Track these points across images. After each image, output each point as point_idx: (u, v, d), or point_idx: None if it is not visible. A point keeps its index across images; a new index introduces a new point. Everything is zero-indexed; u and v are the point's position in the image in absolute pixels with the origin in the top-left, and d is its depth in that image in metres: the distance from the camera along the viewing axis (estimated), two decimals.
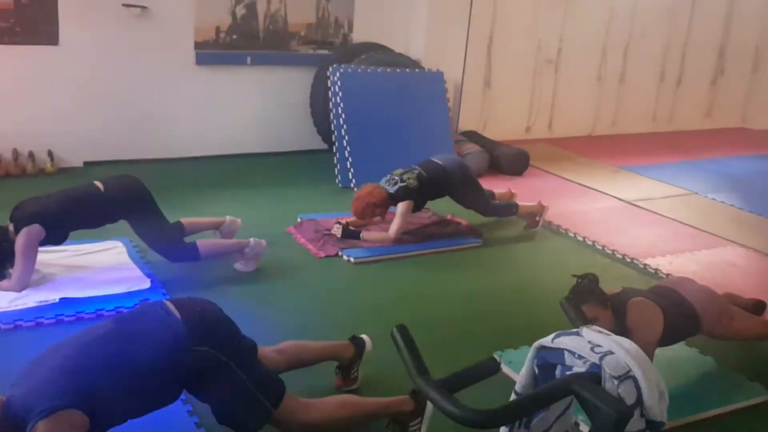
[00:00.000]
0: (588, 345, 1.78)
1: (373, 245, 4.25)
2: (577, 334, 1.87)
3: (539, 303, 3.74)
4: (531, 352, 1.94)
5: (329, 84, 5.52)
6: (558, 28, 7.11)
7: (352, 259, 4.09)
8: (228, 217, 4.14)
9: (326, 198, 5.14)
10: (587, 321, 2.19)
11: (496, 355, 3.11)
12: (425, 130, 5.68)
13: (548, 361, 1.87)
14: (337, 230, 4.28)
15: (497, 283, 4.00)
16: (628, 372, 1.69)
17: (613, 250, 4.48)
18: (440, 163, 4.52)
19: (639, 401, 1.67)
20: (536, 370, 1.90)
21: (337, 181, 5.41)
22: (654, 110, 8.04)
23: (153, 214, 3.69)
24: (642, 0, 7.47)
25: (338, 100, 5.45)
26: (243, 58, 5.74)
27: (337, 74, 5.48)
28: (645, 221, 5.14)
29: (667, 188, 5.91)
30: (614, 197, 5.59)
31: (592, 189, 5.76)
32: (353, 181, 5.31)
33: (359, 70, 5.60)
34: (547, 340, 1.91)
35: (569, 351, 1.80)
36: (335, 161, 5.46)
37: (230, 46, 5.66)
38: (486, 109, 6.92)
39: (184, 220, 3.91)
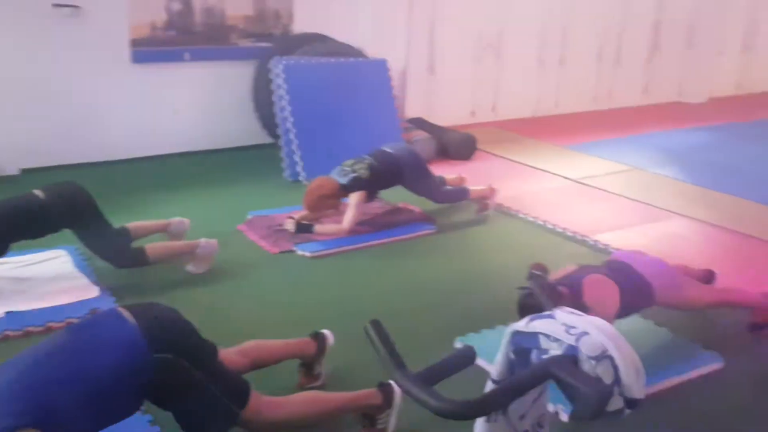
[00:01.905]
0: (562, 327, 1.79)
1: (327, 238, 4.20)
2: (551, 316, 1.88)
3: (497, 285, 3.76)
4: (505, 337, 1.93)
5: (272, 77, 5.43)
6: (498, 12, 7.15)
7: (307, 254, 4.05)
8: (175, 219, 4.04)
9: (276, 193, 5.07)
10: (558, 303, 2.21)
11: (458, 341, 3.12)
12: (372, 118, 5.64)
13: (523, 346, 1.86)
14: (289, 225, 4.22)
15: (454, 268, 4.00)
16: (605, 352, 1.70)
17: (563, 229, 4.54)
18: (391, 151, 4.51)
19: (617, 380, 1.69)
20: (512, 356, 1.90)
21: (285, 175, 5.34)
22: (594, 89, 8.17)
23: (97, 221, 3.57)
24: None
25: (282, 93, 5.37)
26: (181, 54, 5.61)
27: (280, 66, 5.40)
28: (592, 198, 5.22)
29: (611, 165, 6.01)
30: (561, 176, 5.66)
31: (540, 169, 5.83)
32: (302, 174, 5.25)
33: (302, 61, 5.53)
34: (521, 325, 1.91)
35: (544, 334, 1.80)
36: (282, 155, 5.38)
37: (167, 43, 5.52)
38: (431, 95, 6.92)
39: (130, 224, 3.80)
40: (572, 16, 7.66)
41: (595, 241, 4.36)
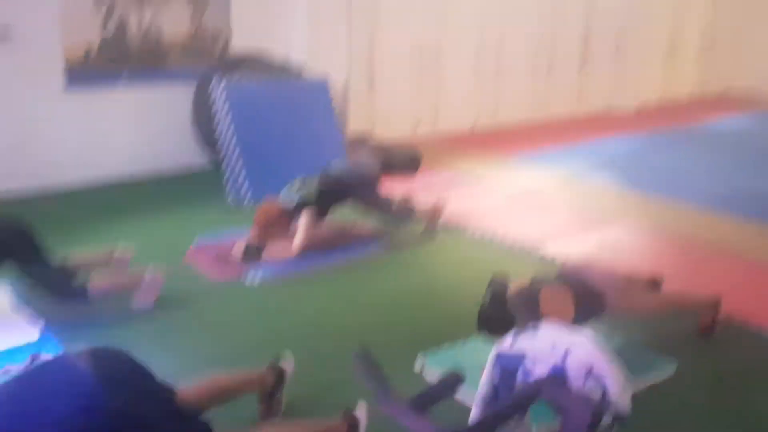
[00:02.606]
0: (547, 345, 1.79)
1: (278, 261, 4.14)
2: (534, 334, 1.88)
3: (452, 300, 3.78)
4: (490, 360, 1.93)
5: (213, 98, 5.34)
6: (435, 26, 7.23)
7: (258, 279, 3.98)
8: (118, 249, 3.92)
9: (221, 217, 4.97)
10: (542, 320, 2.22)
11: (419, 358, 3.11)
12: (316, 137, 5.61)
13: (508, 368, 1.86)
14: (238, 250, 4.14)
15: (407, 285, 4.00)
16: (591, 368, 1.71)
17: (512, 241, 4.59)
18: (339, 170, 4.50)
19: (605, 396, 1.70)
20: (497, 377, 1.89)
21: (230, 198, 5.24)
22: (530, 100, 8.33)
23: (36, 255, 3.42)
24: None
25: (224, 114, 5.29)
26: (117, 77, 5.47)
27: (221, 87, 5.32)
28: (537, 209, 5.31)
29: (552, 174, 6.13)
30: (506, 188, 5.74)
31: (484, 182, 5.89)
32: (247, 197, 5.17)
33: (243, 82, 5.46)
34: (505, 347, 1.90)
35: (529, 354, 1.80)
36: (226, 178, 5.29)
37: (102, 66, 5.37)
38: (372, 111, 6.94)
39: (71, 257, 3.66)
40: (506, 29, 7.80)
41: (544, 251, 4.42)
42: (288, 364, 2.83)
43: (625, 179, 6.07)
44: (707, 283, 3.89)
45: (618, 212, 5.20)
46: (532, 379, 1.78)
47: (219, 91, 5.32)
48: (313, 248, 4.32)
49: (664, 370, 3.09)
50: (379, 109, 6.99)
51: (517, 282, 2.96)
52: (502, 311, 2.79)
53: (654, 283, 3.66)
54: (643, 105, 9.36)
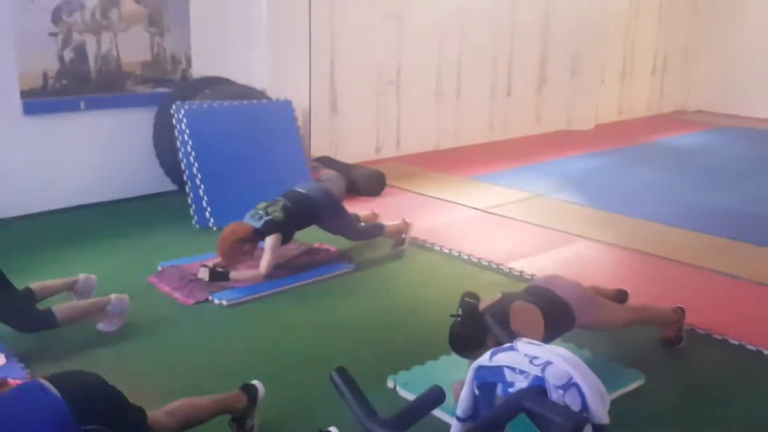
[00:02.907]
0: (526, 358, 1.80)
1: (244, 284, 4.10)
2: (512, 348, 1.89)
3: (421, 320, 3.78)
4: (469, 373, 1.93)
5: (174, 122, 5.30)
6: (395, 49, 7.30)
7: (224, 302, 3.93)
8: (81, 276, 3.83)
9: (185, 241, 4.91)
10: (514, 335, 2.23)
11: (390, 379, 3.10)
12: (280, 159, 5.59)
13: (488, 381, 1.86)
14: (203, 274, 4.10)
15: (375, 305, 3.99)
16: (570, 380, 1.72)
17: (478, 258, 4.62)
18: (304, 191, 4.47)
19: (584, 407, 1.71)
20: (476, 391, 1.89)
21: (194, 222, 5.19)
22: (490, 120, 8.44)
23: None
24: (468, 19, 7.83)
25: (186, 138, 5.24)
26: (76, 103, 5.39)
27: (182, 111, 5.28)
28: (501, 226, 5.36)
29: (514, 193, 6.20)
30: (470, 207, 5.78)
31: (449, 201, 5.93)
32: (211, 220, 5.12)
33: (205, 106, 5.43)
34: (484, 360, 1.91)
35: (508, 367, 1.81)
36: (189, 202, 5.23)
37: (61, 93, 5.29)
38: (335, 133, 6.95)
39: (34, 285, 3.57)
40: (465, 50, 7.91)
41: (510, 268, 4.46)
42: (259, 387, 2.80)
43: (585, 197, 6.18)
44: (671, 295, 3.97)
45: (580, 229, 5.28)
46: (512, 390, 1.78)
47: (180, 115, 5.28)
48: (280, 269, 4.29)
49: (632, 382, 3.13)
50: (342, 131, 7.01)
51: (487, 299, 2.97)
52: (473, 328, 2.79)
53: (620, 297, 3.72)
54: (601, 123, 9.55)
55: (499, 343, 2.80)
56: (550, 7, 8.70)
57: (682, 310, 3.53)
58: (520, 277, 4.34)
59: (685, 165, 7.73)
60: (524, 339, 1.93)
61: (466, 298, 2.85)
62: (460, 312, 2.82)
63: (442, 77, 7.79)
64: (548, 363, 1.77)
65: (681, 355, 3.45)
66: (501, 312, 2.88)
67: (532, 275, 4.32)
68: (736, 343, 3.53)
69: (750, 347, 3.49)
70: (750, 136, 9.34)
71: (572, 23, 8.94)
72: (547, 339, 2.98)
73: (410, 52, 7.42)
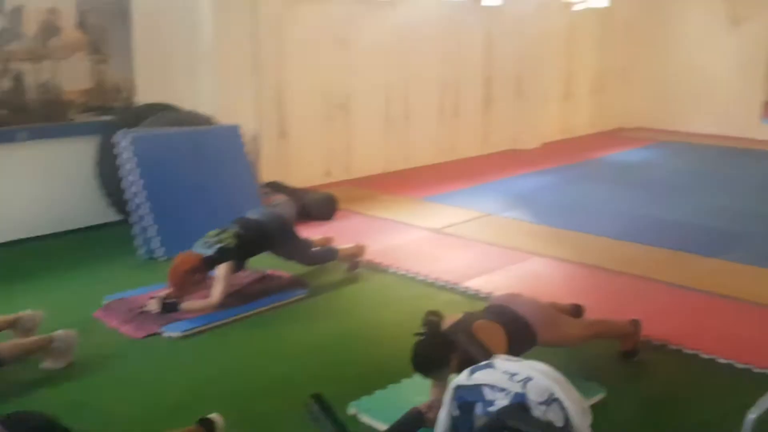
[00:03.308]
0: (505, 375, 1.77)
1: (196, 315, 3.99)
2: (490, 366, 1.86)
3: (380, 343, 3.73)
4: (448, 394, 1.88)
5: (119, 151, 5.16)
6: (343, 73, 7.30)
7: (176, 334, 3.81)
8: (25, 312, 3.68)
9: (133, 273, 4.77)
10: (490, 352, 2.19)
11: (352, 406, 3.03)
12: (229, 186, 5.50)
13: (467, 400, 1.82)
14: (153, 305, 3.97)
15: (333, 331, 3.92)
16: (552, 395, 1.70)
17: (434, 279, 4.61)
18: (256, 217, 4.40)
19: (567, 422, 1.68)
20: (455, 412, 1.85)
21: (140, 253, 5.04)
22: (438, 142, 8.49)
23: None
24: (414, 42, 7.90)
25: (131, 167, 5.11)
26: (13, 134, 5.21)
27: (127, 140, 5.15)
28: (455, 246, 5.36)
29: (466, 212, 6.22)
30: (423, 227, 5.78)
31: (402, 222, 5.92)
32: (159, 250, 4.99)
33: (150, 133, 5.31)
34: (463, 379, 1.87)
35: (488, 385, 1.77)
36: (136, 232, 5.09)
37: None
38: (285, 158, 6.89)
39: None
40: (412, 73, 7.96)
41: (466, 287, 4.46)
42: (217, 420, 2.71)
43: (535, 214, 6.24)
44: (624, 308, 4.01)
45: (533, 245, 5.32)
46: (493, 409, 1.75)
47: (124, 144, 5.15)
48: (233, 298, 4.19)
49: (593, 396, 3.13)
50: (292, 156, 6.95)
51: (449, 318, 2.95)
52: (437, 347, 2.76)
53: (576, 312, 3.74)
54: (547, 142, 9.72)
55: (463, 362, 2.77)
56: (492, 30, 8.85)
57: (637, 322, 3.56)
58: (476, 295, 4.34)
59: (629, 180, 7.91)
60: (502, 356, 1.90)
61: (430, 317, 2.82)
62: (424, 331, 2.79)
63: (390, 100, 7.82)
64: (528, 379, 1.75)
65: (639, 366, 3.48)
66: (464, 330, 2.86)
67: (488, 293, 4.32)
68: (691, 352, 3.58)
69: (704, 356, 3.54)
70: (688, 150, 9.62)
71: (514, 45, 9.11)
72: (511, 356, 2.97)
73: (358, 76, 7.43)
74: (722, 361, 3.47)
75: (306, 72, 6.96)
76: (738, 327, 3.94)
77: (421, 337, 2.78)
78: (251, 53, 6.38)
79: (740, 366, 3.42)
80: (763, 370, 3.37)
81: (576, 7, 10.20)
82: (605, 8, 10.68)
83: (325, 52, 7.11)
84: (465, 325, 2.91)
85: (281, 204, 5.76)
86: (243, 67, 6.34)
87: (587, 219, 6.12)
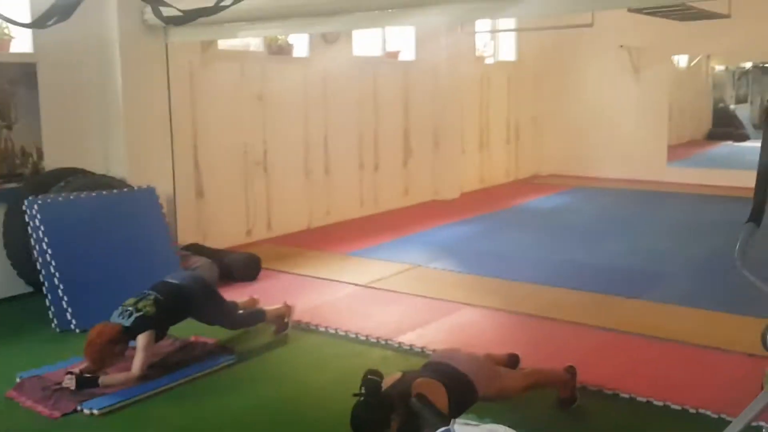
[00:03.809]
0: None
1: (116, 389, 3.75)
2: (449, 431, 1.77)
3: (314, 407, 3.59)
4: None
5: (27, 219, 4.88)
6: (260, 130, 7.22)
7: (95, 411, 3.56)
8: None
9: (46, 347, 4.46)
10: (446, 417, 2.10)
11: None
12: (146, 250, 5.27)
13: None
14: (69, 382, 3.71)
15: (265, 397, 3.75)
16: None
17: (366, 336, 4.51)
18: (176, 282, 4.20)
19: None
20: None
21: (53, 325, 4.73)
22: (360, 195, 8.48)
23: None
24: (331, 96, 7.92)
25: (41, 235, 4.84)
26: None
27: (35, 207, 4.88)
28: (385, 300, 5.28)
29: (393, 266, 6.18)
30: (350, 283, 5.68)
31: (328, 279, 5.81)
32: (74, 322, 4.70)
33: (60, 199, 5.06)
34: None
35: None
36: (48, 304, 4.79)
37: None
38: (203, 219, 6.70)
39: None
40: (330, 127, 7.96)
41: (400, 342, 4.37)
42: None
43: (461, 264, 6.26)
44: (556, 354, 4.02)
45: (462, 296, 5.30)
46: None
47: (33, 211, 4.88)
48: (155, 369, 3.96)
49: None
50: (210, 217, 6.77)
51: (389, 378, 2.85)
52: (377, 409, 2.66)
53: (512, 361, 3.71)
54: (466, 192, 9.87)
55: (404, 423, 2.68)
56: (409, 83, 9.00)
57: (573, 369, 3.56)
58: (410, 350, 4.26)
59: (547, 226, 8.08)
60: (458, 420, 1.82)
61: (369, 376, 2.72)
62: (363, 391, 2.68)
63: (309, 155, 7.78)
64: None
65: (578, 414, 3.46)
66: (405, 390, 2.76)
67: (422, 348, 4.25)
68: (627, 396, 3.59)
69: (640, 399, 3.55)
70: (601, 195, 9.96)
71: (430, 98, 9.29)
72: (453, 414, 2.89)
73: (276, 132, 7.37)
74: (658, 403, 3.49)
75: (222, 129, 6.85)
76: (667, 367, 3.99)
77: (361, 398, 2.67)
78: (164, 113, 6.24)
79: (675, 407, 3.44)
80: (697, 410, 3.40)
81: (487, 61, 10.54)
82: (515, 61, 11.10)
83: (241, 108, 7.03)
84: (405, 384, 2.82)
85: (202, 266, 5.57)
86: (156, 127, 6.17)
87: (511, 266, 6.18)
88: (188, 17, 2.22)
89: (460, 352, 3.25)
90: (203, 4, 2.59)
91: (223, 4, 2.18)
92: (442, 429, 1.82)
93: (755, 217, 2.02)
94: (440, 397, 2.82)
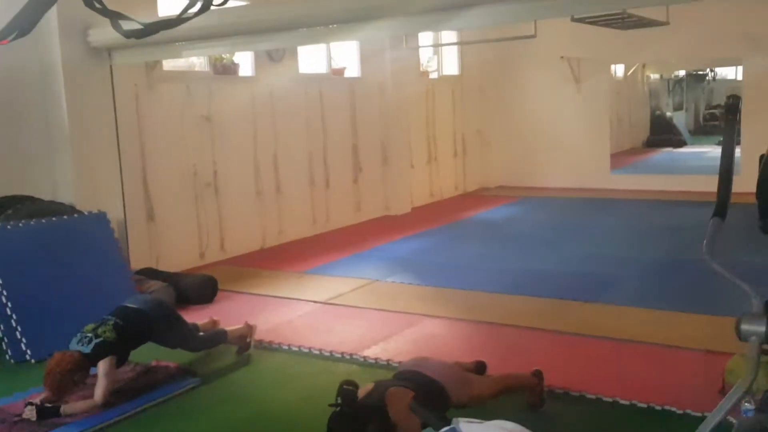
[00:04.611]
0: None
1: (79, 418, 3.64)
2: (455, 431, 1.77)
3: (286, 426, 3.55)
4: None
5: None
6: (209, 151, 7.14)
7: None
8: None
9: (1, 380, 4.29)
10: (447, 419, 2.09)
11: None
12: (100, 276, 5.14)
13: None
14: (30, 413, 3.60)
15: (231, 420, 3.69)
16: None
17: (330, 351, 4.48)
18: (135, 306, 4.11)
19: None
20: None
21: (8, 356, 4.57)
22: (312, 214, 8.44)
23: None
24: (279, 115, 7.90)
25: None
26: None
27: None
28: (346, 316, 5.27)
29: (351, 282, 6.17)
30: (310, 301, 5.65)
31: (287, 298, 5.77)
32: (28, 352, 4.55)
33: (8, 227, 4.90)
34: None
35: None
36: (0, 335, 4.62)
37: None
38: (154, 242, 6.58)
39: None
40: (279, 146, 7.92)
41: (365, 356, 4.36)
42: None
43: (417, 276, 6.29)
44: (521, 360, 4.06)
45: (421, 307, 5.33)
46: None
47: None
48: (117, 396, 3.86)
49: None
50: (162, 240, 6.65)
51: (362, 389, 2.85)
52: (354, 419, 2.65)
53: (479, 368, 3.75)
54: (417, 206, 9.94)
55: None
56: (355, 99, 9.04)
57: (539, 373, 3.60)
58: (376, 364, 4.25)
59: (498, 236, 8.20)
60: (462, 420, 1.83)
61: (344, 386, 2.71)
62: (339, 401, 2.67)
63: (260, 175, 7.72)
64: None
65: (548, 416, 3.50)
66: (378, 399, 2.76)
67: (387, 360, 4.25)
68: (593, 397, 3.65)
69: (606, 399, 3.62)
70: (548, 204, 10.16)
71: (377, 113, 9.35)
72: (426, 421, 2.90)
73: (225, 152, 7.30)
74: (624, 402, 3.57)
75: (171, 151, 6.76)
76: (629, 367, 4.09)
77: (337, 409, 2.65)
78: (111, 136, 6.14)
79: (641, 405, 3.52)
80: (662, 407, 3.48)
81: (431, 75, 10.67)
82: (458, 75, 11.26)
83: (189, 129, 6.94)
84: (378, 393, 2.82)
85: (157, 290, 5.47)
86: (103, 151, 6.07)
87: (468, 277, 6.24)
88: (150, 30, 2.20)
89: (431, 360, 3.27)
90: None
91: (185, 15, 2.17)
92: (447, 428, 1.82)
93: (720, 212, 2.08)
94: None
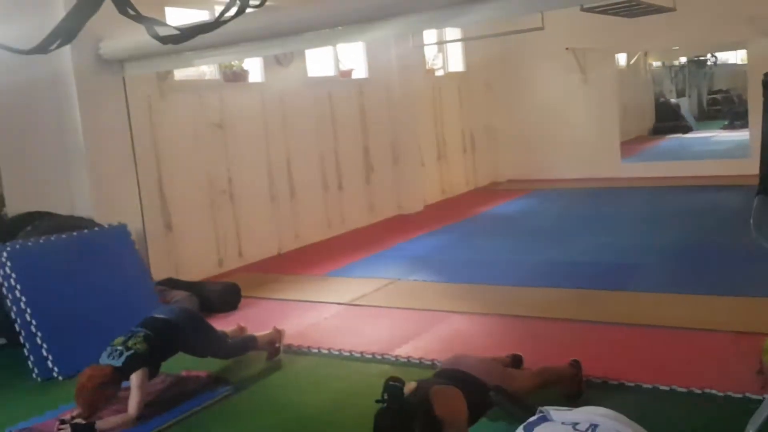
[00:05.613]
0: (567, 427, 1.65)
1: None
2: (546, 419, 1.73)
3: (323, 429, 3.50)
4: None
5: None
6: (222, 158, 7.12)
7: None
8: None
9: (31, 398, 4.27)
10: (531, 408, 2.05)
11: None
12: (124, 289, 5.10)
13: None
14: (64, 430, 3.55)
15: (268, 426, 3.66)
16: None
17: (360, 352, 4.45)
18: (164, 316, 4.08)
19: None
20: None
21: (35, 375, 4.54)
22: (327, 216, 8.42)
23: None
24: (290, 119, 7.87)
25: (12, 283, 4.65)
26: None
27: (4, 254, 4.70)
28: (372, 316, 5.24)
29: (373, 282, 6.13)
30: (334, 303, 5.62)
31: (311, 301, 5.73)
32: (56, 369, 4.52)
33: (29, 244, 4.88)
34: None
35: None
36: (26, 353, 4.60)
37: None
38: (173, 252, 6.56)
39: None
40: (292, 150, 7.89)
41: (396, 356, 4.33)
42: None
43: (439, 274, 6.26)
44: (555, 352, 4.03)
45: (447, 304, 5.29)
46: None
47: (2, 259, 4.69)
48: (151, 408, 3.83)
49: None
50: (181, 249, 6.63)
51: (406, 386, 2.81)
52: (402, 417, 2.61)
53: (515, 362, 3.71)
54: (429, 204, 9.90)
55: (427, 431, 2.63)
56: (364, 100, 9.01)
57: (578, 363, 3.57)
58: (408, 362, 4.22)
59: (514, 230, 8.15)
60: (549, 408, 1.79)
61: (391, 382, 2.67)
62: (385, 397, 2.63)
63: (273, 180, 7.70)
64: (594, 426, 1.64)
65: (584, 404, 3.45)
66: (423, 398, 2.73)
67: (420, 359, 4.22)
68: (632, 384, 3.62)
69: (646, 386, 3.58)
70: (560, 196, 10.12)
71: (386, 112, 9.32)
72: (472, 420, 2.87)
73: (238, 159, 7.28)
74: (664, 388, 3.53)
75: (185, 160, 6.74)
76: (663, 353, 4.05)
77: (384, 405, 2.62)
78: (126, 147, 6.11)
79: (682, 390, 3.49)
80: (702, 390, 3.45)
81: (437, 73, 10.64)
82: (464, 71, 11.23)
83: (202, 138, 6.92)
84: (423, 391, 2.79)
85: (182, 300, 5.44)
86: (118, 163, 6.05)
87: (489, 271, 6.21)
88: (187, 35, 2.17)
89: (470, 357, 3.24)
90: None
91: (223, 19, 2.14)
92: (537, 416, 1.77)
93: (764, 189, 2.06)
94: (460, 403, 2.79)
